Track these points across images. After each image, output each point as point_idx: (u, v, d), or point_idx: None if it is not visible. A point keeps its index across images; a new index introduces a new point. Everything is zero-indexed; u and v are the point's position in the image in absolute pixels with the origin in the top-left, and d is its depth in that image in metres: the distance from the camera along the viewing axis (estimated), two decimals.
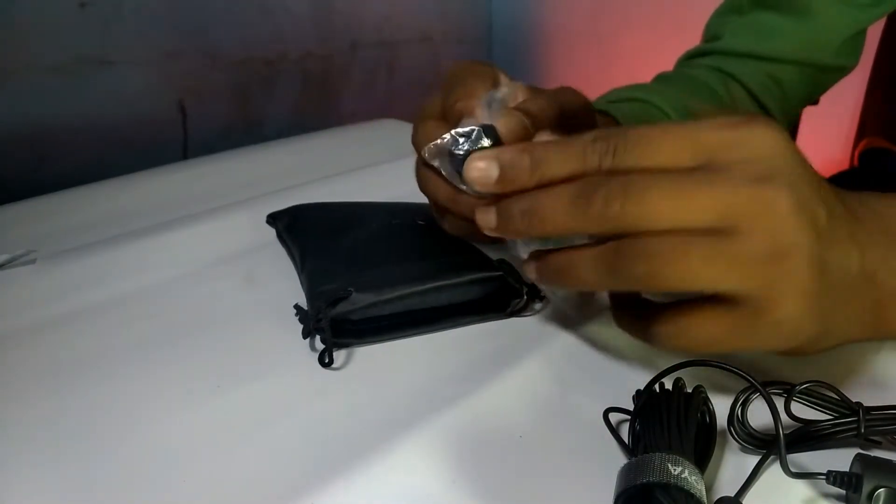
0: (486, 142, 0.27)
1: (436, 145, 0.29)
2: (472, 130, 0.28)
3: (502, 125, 0.28)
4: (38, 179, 0.62)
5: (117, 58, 0.67)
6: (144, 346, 0.32)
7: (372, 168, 0.56)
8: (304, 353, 0.31)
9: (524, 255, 0.28)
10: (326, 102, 0.92)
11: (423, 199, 0.35)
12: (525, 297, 0.33)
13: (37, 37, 0.62)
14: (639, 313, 0.26)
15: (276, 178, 0.54)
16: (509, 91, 0.31)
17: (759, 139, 0.23)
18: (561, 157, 0.25)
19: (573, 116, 0.31)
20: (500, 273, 0.33)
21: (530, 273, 0.27)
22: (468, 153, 0.27)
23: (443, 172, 0.29)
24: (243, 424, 0.26)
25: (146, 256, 0.41)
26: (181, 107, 0.75)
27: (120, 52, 0.67)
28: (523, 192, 0.25)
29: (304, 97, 0.89)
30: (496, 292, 0.33)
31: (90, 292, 0.37)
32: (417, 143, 0.31)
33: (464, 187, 0.28)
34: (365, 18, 0.94)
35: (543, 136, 0.29)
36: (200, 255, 0.41)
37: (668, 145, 0.23)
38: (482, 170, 0.26)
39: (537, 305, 0.34)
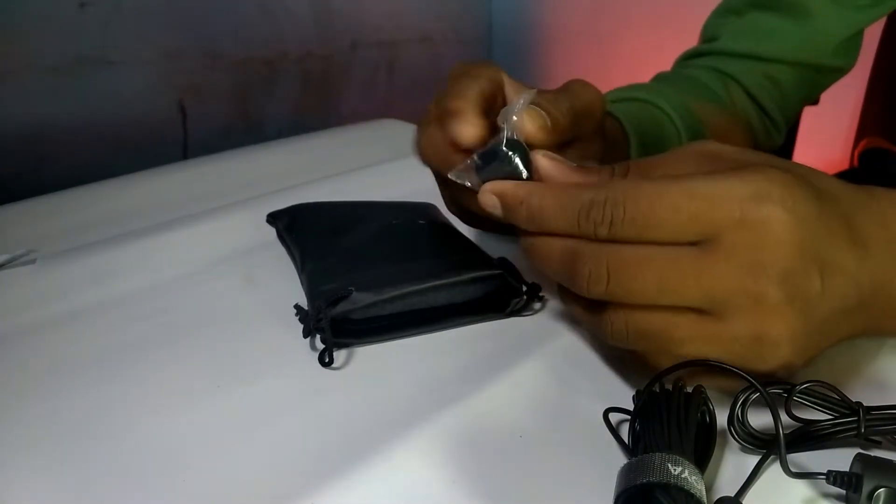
0: (516, 160, 0.27)
1: (461, 169, 0.29)
2: (497, 149, 0.28)
3: (528, 122, 0.28)
4: (38, 179, 0.62)
5: (117, 58, 0.67)
6: (144, 345, 0.32)
7: (372, 168, 0.56)
8: (304, 353, 0.31)
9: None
10: (326, 102, 0.92)
11: (423, 199, 0.35)
12: (525, 296, 0.33)
13: (37, 37, 0.62)
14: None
15: (276, 178, 0.54)
16: (525, 99, 0.30)
17: (765, 224, 0.22)
18: (557, 215, 0.25)
19: (585, 115, 0.31)
20: (500, 272, 0.33)
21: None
22: (496, 171, 0.27)
23: (470, 186, 0.29)
24: (243, 424, 0.26)
25: (146, 256, 0.41)
26: (181, 107, 0.75)
27: (120, 52, 0.67)
28: None
29: (305, 97, 0.89)
30: (496, 291, 0.33)
31: (90, 292, 0.37)
32: (419, 149, 0.31)
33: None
34: (365, 18, 0.94)
35: (538, 156, 0.28)
36: (200, 255, 0.41)
37: (673, 225, 0.22)
38: (491, 204, 0.27)
39: (537, 305, 0.34)
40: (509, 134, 0.28)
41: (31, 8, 0.61)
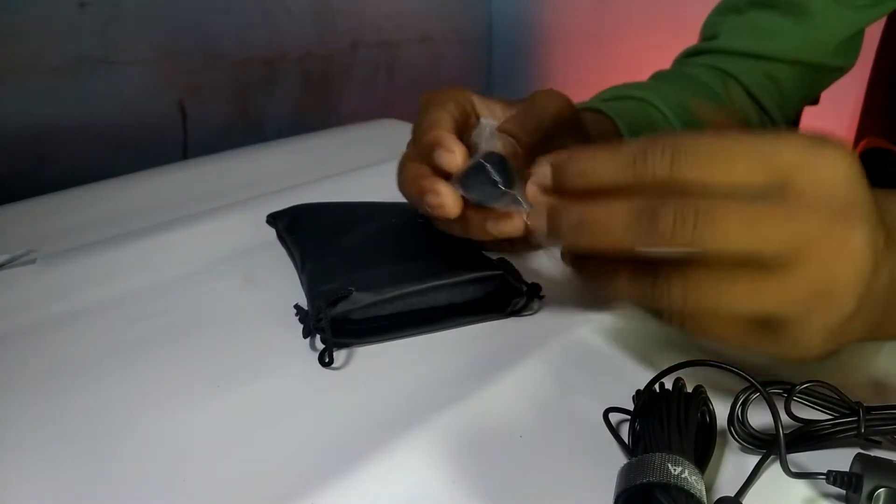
0: (495, 176, 0.28)
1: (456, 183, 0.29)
2: (476, 164, 0.28)
3: (502, 149, 0.28)
4: (38, 179, 0.62)
5: (117, 58, 0.67)
6: (145, 345, 0.32)
7: (372, 168, 0.56)
8: (304, 353, 0.31)
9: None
10: (326, 102, 0.92)
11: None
12: (525, 296, 0.33)
13: (36, 37, 0.62)
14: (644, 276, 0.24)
15: (276, 178, 0.54)
16: (490, 125, 0.32)
17: (835, 164, 0.21)
18: (609, 163, 0.23)
19: (556, 125, 0.32)
20: (500, 272, 0.33)
21: (536, 219, 0.25)
22: (478, 186, 0.28)
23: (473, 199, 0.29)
24: (243, 424, 0.26)
25: (146, 256, 0.41)
26: (181, 107, 0.75)
27: (120, 52, 0.67)
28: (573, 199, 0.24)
29: (305, 97, 0.89)
30: (496, 291, 0.33)
31: (90, 292, 0.37)
32: (402, 187, 0.32)
33: (498, 205, 0.28)
34: (365, 18, 0.94)
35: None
36: (201, 255, 0.41)
37: (743, 163, 0.21)
38: (542, 175, 0.25)
39: (536, 305, 0.34)
40: (486, 148, 0.29)
41: (30, 8, 0.61)
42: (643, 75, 0.52)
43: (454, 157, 0.29)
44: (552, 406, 0.27)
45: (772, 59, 0.50)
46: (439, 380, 0.29)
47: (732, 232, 0.21)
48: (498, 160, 0.28)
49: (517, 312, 0.33)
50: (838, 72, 0.52)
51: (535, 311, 0.34)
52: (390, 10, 0.97)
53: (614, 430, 0.25)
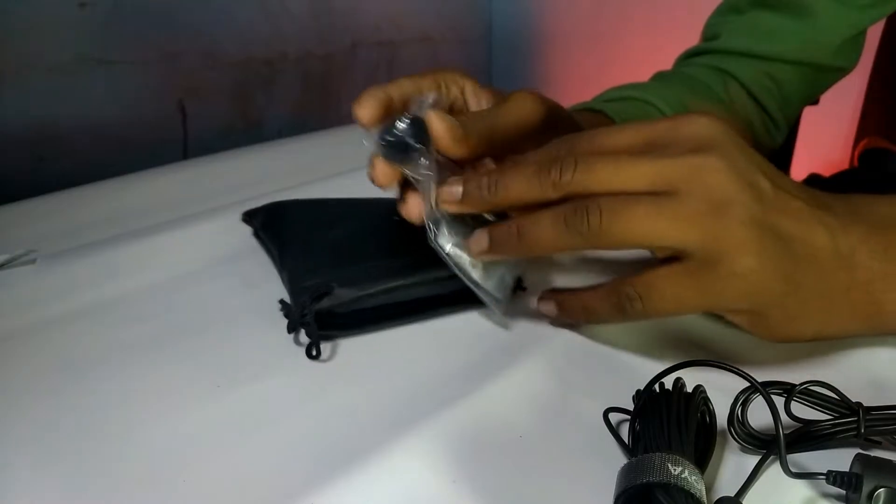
0: (402, 124, 0.29)
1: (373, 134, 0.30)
2: (392, 120, 0.29)
3: (437, 124, 0.29)
4: (38, 179, 0.62)
5: (117, 58, 0.67)
6: (145, 345, 0.32)
7: None
8: (303, 352, 0.31)
9: (447, 245, 0.30)
10: (327, 102, 0.92)
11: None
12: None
13: (36, 37, 0.62)
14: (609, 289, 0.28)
15: (276, 179, 0.54)
16: (476, 104, 0.34)
17: (698, 123, 0.26)
18: (519, 183, 0.27)
19: (514, 133, 0.32)
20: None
21: (477, 246, 0.29)
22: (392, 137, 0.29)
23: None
24: (243, 424, 0.26)
25: (146, 256, 0.41)
26: (181, 107, 0.75)
27: (120, 52, 0.67)
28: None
29: (305, 97, 0.89)
30: None
31: (90, 292, 0.37)
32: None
33: (411, 168, 0.30)
34: (365, 18, 0.94)
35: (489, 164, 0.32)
36: (201, 255, 0.41)
37: (621, 137, 0.27)
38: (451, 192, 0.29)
39: (518, 294, 0.34)
40: (414, 111, 0.30)
41: (30, 8, 0.61)
42: (642, 75, 0.52)
43: (363, 109, 0.30)
44: (552, 406, 0.27)
45: (773, 59, 0.50)
46: (439, 379, 0.29)
47: (603, 174, 0.26)
48: (414, 120, 0.29)
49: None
50: (840, 72, 0.52)
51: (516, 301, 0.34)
52: (390, 11, 0.97)
53: (614, 430, 0.25)
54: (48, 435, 0.26)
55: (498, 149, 0.32)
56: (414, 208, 0.30)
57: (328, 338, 0.31)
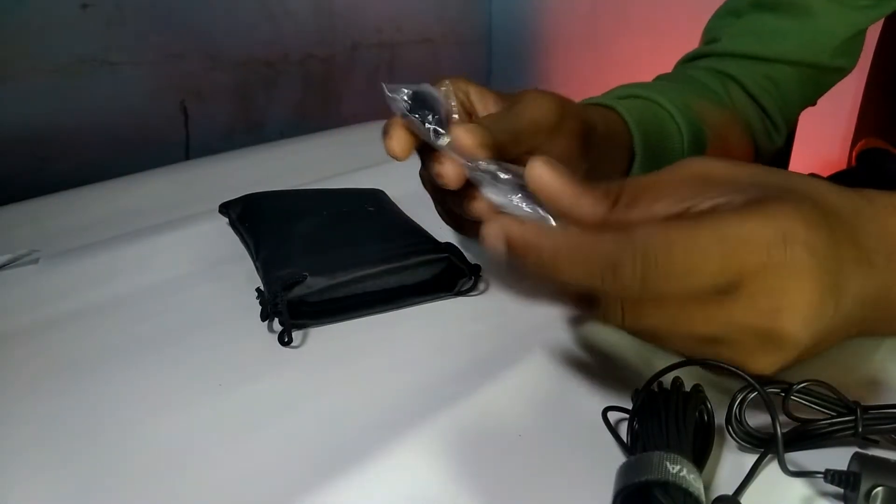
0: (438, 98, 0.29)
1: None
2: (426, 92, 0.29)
3: (465, 137, 0.28)
4: (41, 180, 0.62)
5: (119, 59, 0.68)
6: (147, 345, 0.32)
7: (373, 169, 0.56)
8: (304, 352, 0.31)
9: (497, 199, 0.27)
10: (327, 103, 0.92)
11: (423, 199, 0.35)
12: (471, 277, 0.35)
13: (39, 38, 0.62)
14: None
15: (277, 179, 0.54)
16: (483, 106, 0.33)
17: (795, 269, 0.22)
18: (575, 266, 0.22)
19: (534, 129, 0.32)
20: (447, 255, 0.35)
21: (493, 240, 0.24)
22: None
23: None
24: (244, 423, 0.27)
25: (148, 256, 0.41)
26: (183, 108, 0.75)
27: (122, 53, 0.68)
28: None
29: (306, 98, 0.89)
30: (443, 273, 0.35)
31: (92, 292, 0.37)
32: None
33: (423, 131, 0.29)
34: (365, 20, 0.94)
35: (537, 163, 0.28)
36: (203, 255, 0.41)
37: (704, 274, 0.22)
38: (494, 245, 0.24)
39: (483, 286, 0.36)
40: (444, 90, 0.30)
41: (33, 9, 0.61)
42: (640, 77, 0.52)
43: (393, 143, 0.30)
44: (551, 405, 0.27)
45: (773, 60, 0.50)
46: (439, 379, 0.29)
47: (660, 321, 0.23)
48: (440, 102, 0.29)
49: (464, 293, 0.35)
50: (840, 72, 0.52)
51: (482, 292, 0.36)
52: (391, 12, 0.98)
53: (613, 429, 0.25)
54: (49, 434, 0.26)
55: (519, 148, 0.31)
56: (451, 169, 0.29)
57: (301, 326, 0.32)
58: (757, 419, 0.24)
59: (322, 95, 0.91)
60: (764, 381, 0.24)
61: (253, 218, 0.41)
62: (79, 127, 0.66)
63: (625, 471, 0.21)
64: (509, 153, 0.30)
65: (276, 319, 0.32)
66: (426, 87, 0.30)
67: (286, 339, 0.31)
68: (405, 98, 0.29)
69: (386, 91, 0.30)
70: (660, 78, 0.52)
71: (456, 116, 0.31)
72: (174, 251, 0.41)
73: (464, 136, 0.28)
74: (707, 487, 0.23)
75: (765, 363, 0.23)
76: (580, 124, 0.35)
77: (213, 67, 0.76)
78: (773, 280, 0.21)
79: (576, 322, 0.33)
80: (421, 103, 0.29)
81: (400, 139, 0.30)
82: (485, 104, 0.35)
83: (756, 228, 0.21)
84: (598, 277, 0.22)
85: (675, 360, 0.26)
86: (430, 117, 0.29)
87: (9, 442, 0.26)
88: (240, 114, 0.81)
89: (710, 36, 0.54)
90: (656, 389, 0.24)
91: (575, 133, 0.34)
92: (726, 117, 0.48)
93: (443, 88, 0.31)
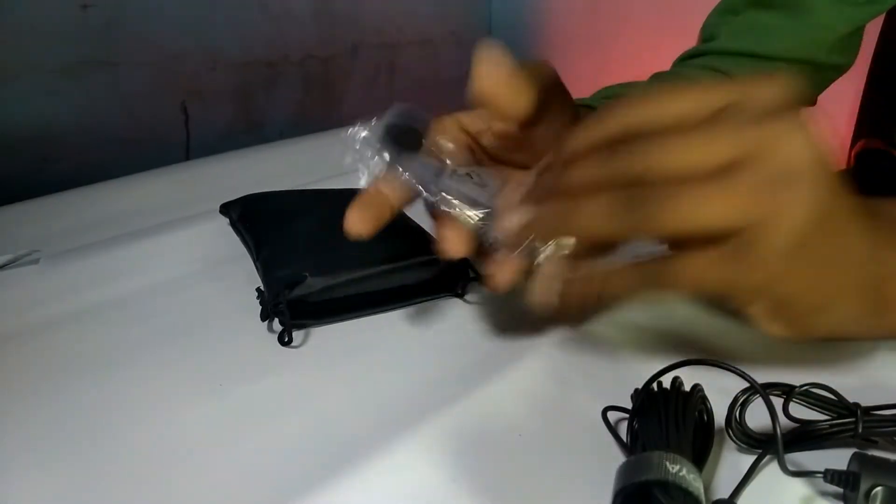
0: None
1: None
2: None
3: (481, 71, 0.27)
4: (42, 180, 0.62)
5: (120, 59, 0.68)
6: (148, 345, 0.32)
7: None
8: (304, 352, 0.31)
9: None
10: (328, 104, 0.92)
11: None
12: (472, 277, 0.35)
13: (39, 38, 0.62)
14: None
15: (277, 179, 0.54)
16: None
17: (769, 89, 0.23)
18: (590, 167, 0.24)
19: (551, 89, 0.31)
20: None
21: (512, 221, 0.26)
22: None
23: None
24: (245, 423, 0.27)
25: (149, 256, 0.41)
26: (184, 108, 0.75)
27: (122, 53, 0.68)
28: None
29: (306, 98, 0.89)
30: (444, 273, 0.35)
31: (93, 292, 0.37)
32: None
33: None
34: (366, 20, 0.94)
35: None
36: (204, 255, 0.41)
37: (685, 104, 0.23)
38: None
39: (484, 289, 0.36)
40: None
41: (33, 9, 0.61)
42: (640, 76, 0.52)
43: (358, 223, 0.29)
44: (551, 404, 0.27)
45: (771, 58, 0.50)
46: (439, 379, 0.29)
47: (674, 155, 0.22)
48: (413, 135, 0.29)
49: (465, 293, 0.35)
50: (838, 70, 0.52)
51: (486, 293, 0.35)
52: (391, 13, 0.98)
53: (613, 429, 0.25)
54: (50, 434, 0.26)
55: (540, 109, 0.29)
56: (454, 242, 0.28)
57: (302, 326, 0.32)
58: (757, 420, 0.24)
59: (322, 96, 0.91)
60: (765, 383, 0.24)
61: (253, 218, 0.41)
62: (79, 127, 0.66)
63: (624, 470, 0.21)
64: (534, 110, 0.29)
65: (277, 319, 0.32)
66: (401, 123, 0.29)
67: (286, 339, 0.31)
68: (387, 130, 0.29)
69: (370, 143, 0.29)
70: (655, 76, 0.52)
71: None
72: (174, 251, 0.41)
73: (494, 85, 0.27)
74: (707, 487, 0.23)
75: (788, 204, 0.22)
76: (572, 111, 0.34)
77: (214, 68, 0.76)
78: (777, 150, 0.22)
79: (577, 321, 0.33)
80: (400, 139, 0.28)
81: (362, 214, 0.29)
82: (482, 118, 0.34)
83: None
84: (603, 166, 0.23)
85: (675, 360, 0.26)
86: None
87: (9, 442, 0.26)
88: (240, 114, 0.81)
89: (707, 34, 0.54)
90: (656, 389, 0.24)
91: (568, 120, 0.34)
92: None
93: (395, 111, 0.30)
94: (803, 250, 0.22)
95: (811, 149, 0.22)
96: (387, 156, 0.28)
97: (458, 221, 0.28)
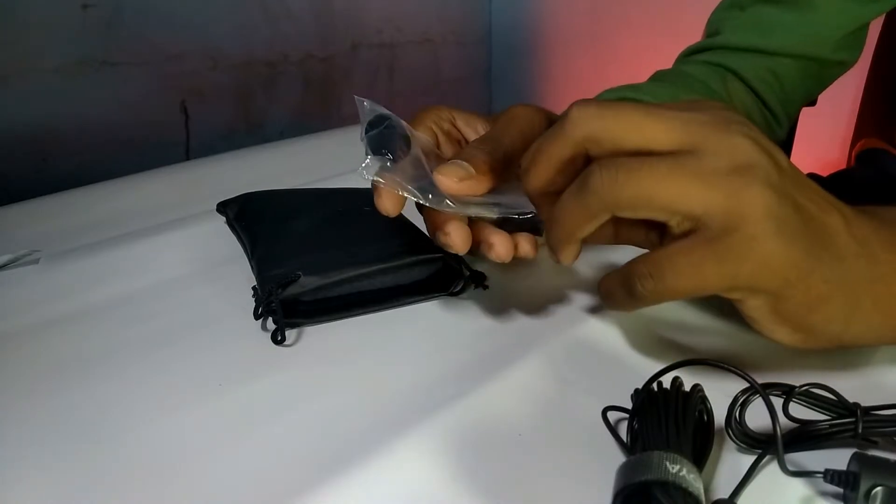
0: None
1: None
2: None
3: (446, 179, 0.29)
4: (42, 180, 0.62)
5: (120, 59, 0.68)
6: (148, 345, 0.32)
7: None
8: (299, 351, 0.31)
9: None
10: (327, 104, 0.93)
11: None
12: (466, 277, 0.34)
13: (40, 38, 0.62)
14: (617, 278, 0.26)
15: (277, 179, 0.54)
16: (472, 130, 0.35)
17: (718, 105, 0.25)
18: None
19: (522, 144, 0.32)
20: (441, 255, 0.34)
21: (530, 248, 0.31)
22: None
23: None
24: (244, 423, 0.27)
25: (149, 256, 0.41)
26: (183, 108, 0.75)
27: (122, 53, 0.68)
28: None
29: (306, 98, 0.89)
30: (438, 273, 0.35)
31: (93, 292, 0.37)
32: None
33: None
34: (365, 20, 0.95)
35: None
36: (202, 255, 0.41)
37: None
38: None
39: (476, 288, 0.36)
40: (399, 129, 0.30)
41: (34, 9, 0.61)
42: (640, 76, 0.52)
43: (386, 203, 0.30)
44: (551, 404, 0.27)
45: (775, 53, 0.50)
46: (439, 378, 0.29)
47: (625, 137, 0.25)
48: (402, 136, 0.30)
49: (459, 293, 0.35)
50: (842, 66, 0.52)
51: (481, 293, 0.35)
52: (391, 13, 0.98)
53: (613, 429, 0.25)
54: (49, 434, 0.26)
55: (511, 165, 0.31)
56: (458, 238, 0.30)
57: (295, 325, 0.32)
58: (757, 421, 0.24)
59: (322, 96, 0.91)
60: (765, 384, 0.24)
61: (249, 217, 0.41)
62: (79, 127, 0.66)
63: (624, 470, 0.21)
64: (502, 171, 0.30)
65: (270, 318, 0.32)
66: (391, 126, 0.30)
67: (279, 338, 0.31)
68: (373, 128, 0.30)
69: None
70: (656, 75, 0.52)
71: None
72: (174, 251, 0.41)
73: (450, 184, 0.29)
74: (706, 487, 0.23)
75: (745, 191, 0.23)
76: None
77: (214, 67, 0.76)
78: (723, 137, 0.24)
79: (576, 321, 0.33)
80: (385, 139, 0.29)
81: (391, 197, 0.30)
82: (474, 129, 0.35)
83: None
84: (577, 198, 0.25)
85: (675, 360, 0.26)
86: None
87: (9, 442, 0.26)
88: (240, 114, 0.81)
89: (712, 29, 0.54)
90: (656, 389, 0.24)
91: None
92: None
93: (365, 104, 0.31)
94: (781, 239, 0.23)
95: (757, 143, 0.24)
96: (378, 168, 0.30)
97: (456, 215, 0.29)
